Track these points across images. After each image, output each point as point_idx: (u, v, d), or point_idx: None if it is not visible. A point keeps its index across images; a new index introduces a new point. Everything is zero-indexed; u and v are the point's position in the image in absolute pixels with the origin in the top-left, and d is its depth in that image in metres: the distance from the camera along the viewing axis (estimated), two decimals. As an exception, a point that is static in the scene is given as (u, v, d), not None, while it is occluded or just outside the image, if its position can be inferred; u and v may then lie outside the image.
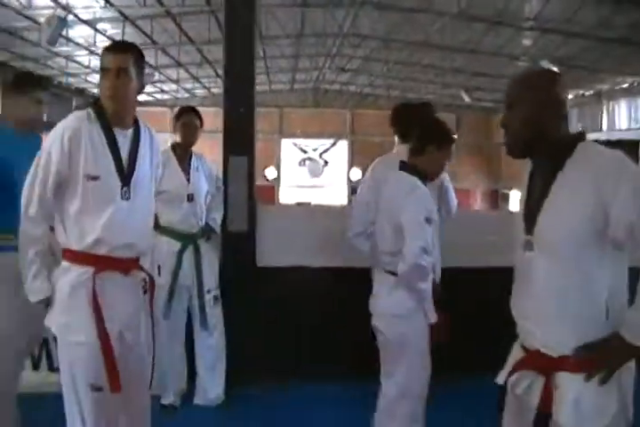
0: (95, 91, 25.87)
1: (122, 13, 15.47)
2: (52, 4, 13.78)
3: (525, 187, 2.14)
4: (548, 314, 1.97)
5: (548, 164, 2.03)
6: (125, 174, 2.72)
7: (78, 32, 16.71)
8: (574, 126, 23.24)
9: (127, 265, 2.75)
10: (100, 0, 14.00)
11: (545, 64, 16.89)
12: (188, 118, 4.22)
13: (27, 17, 14.79)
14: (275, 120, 28.36)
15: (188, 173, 4.16)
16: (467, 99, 23.57)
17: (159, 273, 3.93)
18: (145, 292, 2.82)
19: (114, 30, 16.96)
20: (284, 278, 4.38)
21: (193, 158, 4.22)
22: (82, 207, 2.64)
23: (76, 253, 2.65)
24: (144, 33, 17.12)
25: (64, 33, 14.70)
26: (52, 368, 4.22)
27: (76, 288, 2.62)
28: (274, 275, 4.41)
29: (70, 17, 14.54)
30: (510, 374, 2.07)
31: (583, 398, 1.88)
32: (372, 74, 23.30)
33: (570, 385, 1.90)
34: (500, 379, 2.12)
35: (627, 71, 18.78)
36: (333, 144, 29.49)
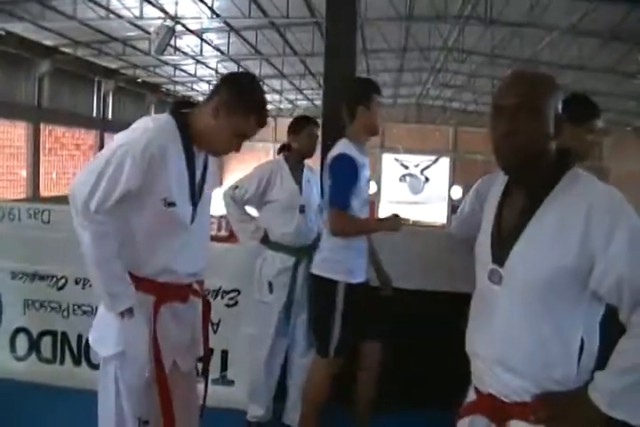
0: (201, 99, 26.68)
1: (227, 24, 15.74)
2: (162, 14, 14.18)
3: (494, 206, 1.86)
4: (508, 357, 1.72)
5: (532, 186, 1.77)
6: (196, 198, 2.45)
7: (186, 42, 17.16)
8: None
9: (187, 292, 2.53)
10: (206, 11, 14.26)
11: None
12: (313, 129, 4.01)
13: (138, 27, 15.28)
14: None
15: (300, 184, 3.99)
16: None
17: (270, 290, 3.81)
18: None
19: (219, 40, 17.30)
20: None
21: (305, 169, 4.04)
22: (152, 232, 2.38)
23: (138, 279, 2.40)
24: (249, 43, 17.35)
25: (172, 42, 15.10)
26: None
27: (136, 316, 2.38)
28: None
29: (179, 27, 14.93)
30: (458, 418, 1.85)
31: None
32: (477, 90, 22.78)
33: None
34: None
35: None
36: (435, 161, 29.12)
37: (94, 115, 20.56)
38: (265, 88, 19.76)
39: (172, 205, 2.34)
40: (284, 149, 4.08)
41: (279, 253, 3.86)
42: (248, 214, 3.96)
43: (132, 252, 2.37)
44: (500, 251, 1.77)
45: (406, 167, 29.18)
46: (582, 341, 1.68)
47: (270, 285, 3.81)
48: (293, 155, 4.00)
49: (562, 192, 1.72)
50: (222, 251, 4.20)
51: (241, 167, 31.60)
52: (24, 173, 16.79)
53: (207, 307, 2.63)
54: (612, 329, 1.72)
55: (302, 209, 3.92)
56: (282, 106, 27.94)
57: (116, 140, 2.33)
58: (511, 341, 1.71)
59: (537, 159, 1.75)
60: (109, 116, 21.43)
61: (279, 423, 3.94)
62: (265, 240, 3.86)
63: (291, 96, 26.67)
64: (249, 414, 3.92)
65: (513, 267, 1.73)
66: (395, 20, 15.12)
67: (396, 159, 29.01)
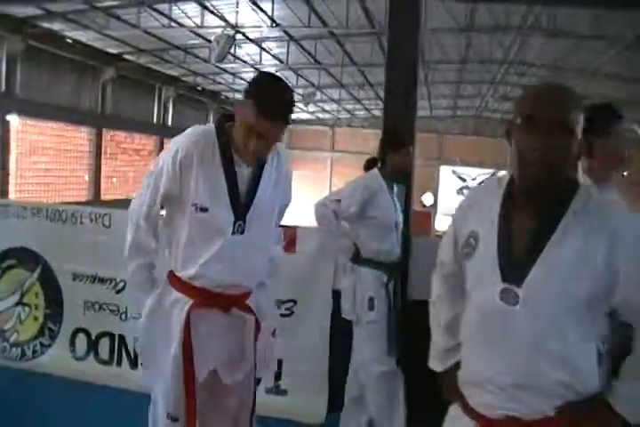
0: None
1: (287, 33, 15.87)
2: (222, 23, 14.39)
3: (493, 223, 1.76)
4: (531, 381, 1.67)
5: (548, 202, 1.70)
6: (241, 208, 2.47)
7: (245, 50, 17.36)
8: None
9: (227, 302, 2.54)
10: (266, 20, 14.40)
11: None
12: (412, 146, 3.97)
13: (199, 35, 15.54)
14: (434, 146, 28.10)
15: (394, 200, 3.95)
16: None
17: (371, 307, 3.74)
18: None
19: (279, 49, 17.46)
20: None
21: (394, 185, 3.98)
22: (188, 237, 2.46)
23: (177, 279, 2.52)
24: (308, 52, 17.46)
25: (232, 51, 15.31)
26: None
27: (170, 316, 2.50)
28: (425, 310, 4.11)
29: (239, 36, 15.13)
30: None
31: None
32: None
33: None
34: None
35: None
36: (493, 174, 28.80)
37: (155, 121, 20.97)
38: (323, 97, 19.92)
39: (204, 210, 2.40)
40: (373, 163, 4.03)
41: (373, 271, 3.80)
42: (344, 230, 3.87)
43: (174, 254, 2.51)
44: (514, 271, 1.69)
45: (464, 180, 28.92)
46: (599, 351, 1.69)
47: (371, 301, 3.75)
48: (388, 170, 3.90)
49: (581, 211, 1.68)
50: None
51: (297, 174, 31.87)
52: (86, 177, 17.22)
53: (257, 326, 2.62)
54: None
55: (396, 226, 3.91)
56: (340, 116, 28.00)
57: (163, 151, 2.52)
58: (539, 362, 1.66)
59: (561, 177, 1.70)
60: (169, 123, 21.83)
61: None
62: (355, 257, 3.80)
63: (349, 106, 26.71)
64: None
65: (534, 288, 1.67)
66: (456, 31, 15.01)
67: (454, 172, 28.80)
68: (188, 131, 2.48)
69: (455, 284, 1.93)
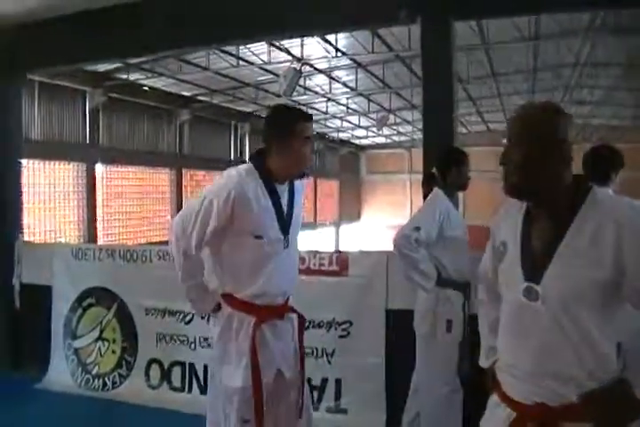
0: (335, 135, 27.33)
1: (354, 60, 16.12)
2: (289, 57, 14.78)
3: (517, 234, 1.99)
4: (555, 366, 1.86)
5: (557, 209, 1.91)
6: (285, 225, 2.83)
7: (315, 81, 17.72)
8: None
9: (283, 310, 2.91)
10: (332, 50, 14.70)
11: None
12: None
13: (268, 71, 15.99)
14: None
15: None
16: None
17: (449, 329, 3.77)
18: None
19: (348, 77, 17.72)
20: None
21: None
22: (244, 260, 2.78)
23: (238, 301, 2.82)
24: (376, 77, 17.64)
25: (302, 83, 15.66)
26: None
27: (238, 335, 2.81)
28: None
29: (307, 68, 15.48)
30: None
31: None
32: (617, 104, 21.80)
33: None
34: None
35: None
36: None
37: (232, 157, 21.57)
38: (397, 120, 19.89)
39: (259, 237, 2.76)
40: (431, 178, 4.04)
41: (454, 291, 3.80)
42: (426, 256, 3.76)
43: (235, 278, 2.81)
44: (534, 271, 1.90)
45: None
46: (620, 344, 1.85)
47: (449, 323, 3.76)
48: (451, 187, 3.94)
49: (590, 213, 1.86)
50: (334, 284, 4.35)
51: (379, 199, 31.95)
52: (169, 217, 17.86)
53: (301, 321, 3.00)
54: None
55: (467, 243, 3.93)
56: (414, 136, 27.98)
57: (206, 189, 2.82)
58: (557, 350, 1.85)
59: (553, 185, 1.91)
60: (246, 157, 22.39)
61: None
62: (440, 280, 3.76)
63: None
64: None
65: (550, 284, 1.87)
66: (522, 41, 14.87)
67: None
68: (232, 174, 2.79)
69: (496, 290, 2.15)
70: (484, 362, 2.24)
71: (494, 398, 2.04)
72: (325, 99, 19.86)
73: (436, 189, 3.90)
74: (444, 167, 3.94)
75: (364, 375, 4.08)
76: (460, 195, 4.25)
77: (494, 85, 19.37)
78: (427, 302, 3.80)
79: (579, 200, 1.89)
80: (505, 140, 1.96)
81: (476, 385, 3.21)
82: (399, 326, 4.12)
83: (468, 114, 23.50)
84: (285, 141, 2.76)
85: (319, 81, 17.91)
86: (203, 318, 4.54)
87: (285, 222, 2.82)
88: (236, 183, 2.72)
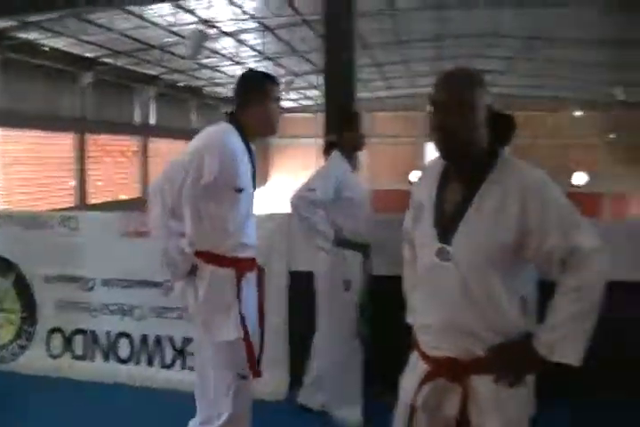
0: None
1: (261, 24, 15.93)
2: (195, 19, 14.47)
3: (434, 190, 2.07)
4: (465, 321, 1.97)
5: (469, 172, 2.01)
6: (255, 180, 3.04)
7: (222, 44, 17.43)
8: None
9: (254, 262, 3.07)
10: (239, 13, 14.46)
11: None
12: (359, 124, 4.06)
13: (174, 33, 15.60)
14: (419, 124, 28.12)
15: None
16: (622, 96, 22.20)
17: (347, 288, 3.80)
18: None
19: (255, 40, 17.52)
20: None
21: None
22: (227, 214, 2.91)
23: (220, 256, 2.92)
24: (283, 41, 17.52)
25: (209, 45, 15.38)
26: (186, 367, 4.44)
27: (224, 290, 2.92)
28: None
29: (214, 30, 15.20)
30: (420, 387, 2.03)
31: (505, 402, 1.96)
32: (517, 74, 22.48)
33: (487, 390, 1.96)
34: (407, 398, 2.07)
35: None
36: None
37: (137, 121, 21.05)
38: (304, 84, 19.83)
39: (240, 191, 2.92)
40: (332, 145, 4.04)
41: (352, 252, 3.85)
42: (323, 217, 3.79)
43: (217, 233, 2.92)
44: (446, 232, 2.00)
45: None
46: (524, 299, 2.00)
47: (347, 283, 3.81)
48: (347, 148, 3.97)
49: (498, 177, 1.97)
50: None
51: (288, 163, 31.93)
52: (72, 183, 17.34)
53: (261, 274, 3.17)
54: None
55: (366, 204, 3.98)
56: (319, 101, 28.04)
57: (193, 145, 2.90)
58: (465, 308, 1.96)
59: (469, 148, 1.98)
60: (152, 122, 21.90)
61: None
62: (337, 240, 3.80)
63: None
64: (341, 419, 3.89)
65: (460, 245, 1.97)
66: (428, 9, 15.04)
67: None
68: (217, 130, 2.96)
69: (414, 249, 2.23)
70: (410, 320, 2.30)
71: (413, 355, 2.14)
72: (233, 62, 19.57)
73: (334, 152, 3.94)
74: (338, 129, 4.00)
75: (267, 336, 4.11)
76: (365, 159, 4.34)
77: (400, 52, 19.58)
78: (325, 263, 3.84)
79: (489, 164, 1.99)
80: (429, 105, 2.02)
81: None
82: (301, 287, 4.17)
83: (374, 80, 23.69)
84: (260, 102, 2.99)
85: (226, 44, 17.62)
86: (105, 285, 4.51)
87: (255, 177, 3.03)
88: (224, 139, 2.90)
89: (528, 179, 1.95)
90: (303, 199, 3.70)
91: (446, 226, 2.00)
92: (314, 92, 26.05)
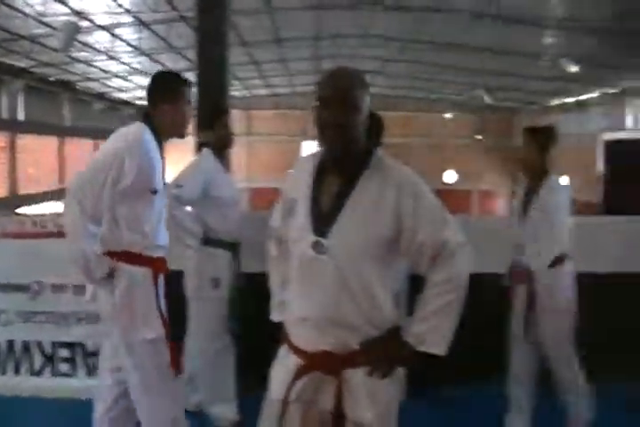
0: (117, 95, 26.27)
1: (137, 18, 15.52)
2: (67, 10, 13.90)
3: (307, 190, 2.12)
4: (341, 314, 2.02)
5: (348, 168, 2.07)
6: (164, 184, 3.10)
7: (96, 38, 16.84)
8: (598, 125, 22.97)
9: (166, 262, 3.07)
10: (113, 6, 14.03)
11: (565, 62, 16.61)
12: (229, 119, 4.10)
13: (44, 24, 14.92)
14: (297, 122, 28.33)
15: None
16: (488, 99, 23.30)
17: (216, 286, 3.82)
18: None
19: (131, 35, 17.05)
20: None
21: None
22: (145, 214, 2.93)
23: (137, 256, 2.93)
24: (160, 37, 17.15)
25: (80, 38, 14.81)
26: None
27: (143, 289, 2.93)
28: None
29: (88, 23, 14.66)
30: (294, 381, 2.06)
31: (376, 391, 2.04)
32: (393, 75, 23.10)
33: (360, 381, 2.02)
34: (278, 393, 2.10)
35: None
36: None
37: (4, 116, 19.95)
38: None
39: (155, 192, 2.95)
40: (203, 143, 4.06)
41: (220, 250, 3.87)
42: (191, 215, 3.86)
43: (136, 233, 2.92)
44: (322, 226, 2.04)
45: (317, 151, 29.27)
46: (397, 293, 2.10)
47: (215, 281, 3.82)
48: (216, 146, 3.98)
49: (373, 174, 2.05)
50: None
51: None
52: None
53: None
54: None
55: (237, 203, 3.99)
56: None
57: (113, 147, 2.91)
58: (342, 301, 2.01)
59: (354, 145, 2.07)
60: (21, 117, 20.84)
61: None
62: (205, 239, 3.82)
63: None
64: (217, 417, 3.91)
65: (337, 239, 2.02)
66: (306, 9, 15.18)
67: (317, 146, 29.06)
68: (134, 131, 2.96)
69: (285, 246, 2.25)
70: (275, 316, 2.34)
71: (284, 349, 2.17)
72: (107, 57, 18.97)
73: (205, 150, 3.96)
74: (208, 127, 4.04)
75: (203, 343, 4.02)
76: (244, 157, 4.36)
77: (278, 50, 19.65)
78: (193, 261, 3.86)
79: (365, 162, 2.07)
80: (316, 102, 2.05)
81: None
82: (172, 287, 4.11)
83: (253, 78, 23.67)
84: (173, 103, 3.01)
85: (100, 38, 17.02)
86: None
87: (164, 177, 3.06)
88: (143, 142, 2.91)
89: (401, 177, 2.05)
90: (170, 196, 3.65)
91: (322, 220, 2.05)
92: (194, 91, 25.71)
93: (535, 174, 3.71)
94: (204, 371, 3.90)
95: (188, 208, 3.89)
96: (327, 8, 15.14)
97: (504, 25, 15.15)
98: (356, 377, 2.03)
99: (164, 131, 3.05)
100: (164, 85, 3.08)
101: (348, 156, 2.07)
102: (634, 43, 15.22)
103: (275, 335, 2.24)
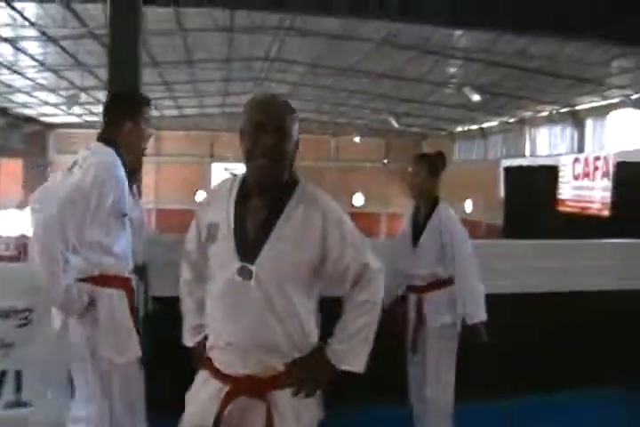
0: (20, 111, 25.38)
1: (44, 33, 15.11)
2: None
3: (230, 210, 2.14)
4: (267, 339, 2.06)
5: (273, 197, 2.11)
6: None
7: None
8: (499, 152, 24.03)
9: (131, 283, 3.08)
10: (18, 18, 13.61)
11: (468, 91, 17.32)
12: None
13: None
14: (206, 144, 28.19)
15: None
16: (395, 124, 23.92)
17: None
18: None
19: (36, 50, 16.58)
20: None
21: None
22: (115, 240, 2.93)
23: (110, 278, 2.91)
24: (68, 53, 16.74)
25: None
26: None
27: (115, 311, 2.90)
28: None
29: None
30: (223, 407, 2.08)
31: (301, 411, 2.10)
32: (302, 98, 23.38)
33: (287, 402, 2.08)
34: (201, 418, 2.10)
35: (545, 100, 19.37)
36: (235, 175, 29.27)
37: None
38: (90, 100, 18.86)
39: (125, 215, 2.98)
40: None
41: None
42: None
43: (108, 258, 2.91)
44: (248, 252, 2.07)
45: (236, 176, 29.17)
46: (314, 314, 2.16)
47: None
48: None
49: (299, 202, 2.10)
50: (10, 270, 4.13)
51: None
52: None
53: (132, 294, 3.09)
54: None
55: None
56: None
57: (89, 175, 2.79)
58: (268, 325, 2.05)
59: (285, 173, 2.12)
60: None
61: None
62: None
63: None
64: None
65: (264, 264, 2.05)
66: (218, 31, 15.21)
67: (226, 168, 28.91)
68: (105, 153, 2.90)
69: (200, 270, 2.29)
70: (188, 341, 2.34)
71: (204, 374, 2.17)
72: (10, 71, 18.35)
73: None
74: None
75: (48, 366, 3.91)
76: (152, 178, 4.32)
77: (189, 71, 19.57)
78: None
79: (290, 190, 2.12)
80: (244, 125, 2.09)
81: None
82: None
83: (162, 98, 23.44)
84: (137, 122, 3.01)
85: (3, 51, 16.45)
86: None
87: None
88: (115, 168, 2.87)
89: (325, 205, 2.13)
90: None
91: (248, 246, 2.07)
92: (100, 108, 25.09)
93: (424, 200, 3.80)
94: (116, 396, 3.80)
95: None
96: (238, 31, 15.20)
97: (410, 53, 15.70)
98: (283, 398, 2.08)
99: (129, 150, 3.02)
100: (126, 104, 3.07)
101: (277, 182, 2.10)
102: (532, 77, 16.14)
103: (187, 360, 2.25)
